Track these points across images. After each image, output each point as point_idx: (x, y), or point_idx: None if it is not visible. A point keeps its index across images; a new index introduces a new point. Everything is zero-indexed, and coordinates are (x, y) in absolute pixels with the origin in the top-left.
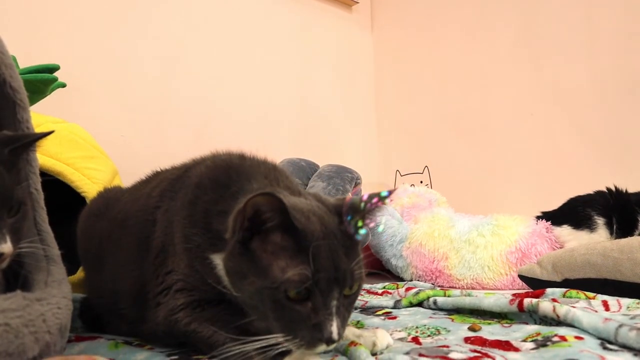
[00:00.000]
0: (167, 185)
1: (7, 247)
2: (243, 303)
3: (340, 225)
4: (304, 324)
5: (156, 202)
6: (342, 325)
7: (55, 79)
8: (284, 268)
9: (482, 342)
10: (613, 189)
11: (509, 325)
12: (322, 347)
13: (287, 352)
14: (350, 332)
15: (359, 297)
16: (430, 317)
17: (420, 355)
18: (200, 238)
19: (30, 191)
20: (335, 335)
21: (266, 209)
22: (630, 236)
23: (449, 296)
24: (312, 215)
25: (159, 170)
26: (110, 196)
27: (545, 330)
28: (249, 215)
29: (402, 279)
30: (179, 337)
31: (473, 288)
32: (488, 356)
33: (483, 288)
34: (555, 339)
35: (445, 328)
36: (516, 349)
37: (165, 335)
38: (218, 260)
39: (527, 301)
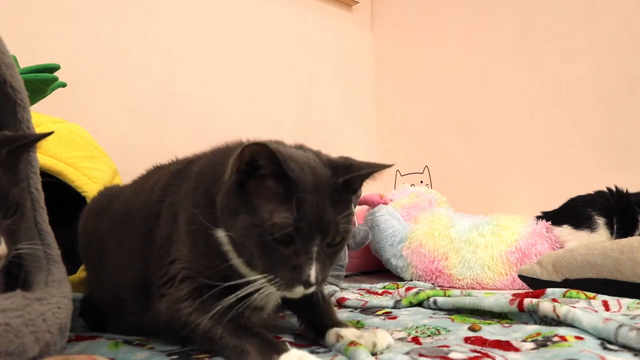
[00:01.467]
0: (169, 178)
1: (1, 248)
2: (233, 242)
3: (332, 179)
4: (284, 264)
5: (159, 196)
6: (322, 272)
7: (56, 79)
8: (271, 211)
9: (482, 342)
10: (613, 188)
11: (509, 325)
12: (300, 289)
13: (285, 350)
14: (351, 332)
15: (359, 297)
16: (430, 317)
17: (420, 355)
18: (204, 217)
19: (30, 191)
20: (312, 279)
21: (261, 157)
22: (631, 236)
23: (449, 296)
24: (306, 167)
25: (159, 165)
26: (112, 193)
27: (546, 330)
28: (246, 159)
29: (402, 279)
30: (180, 327)
31: (473, 288)
32: (488, 356)
33: (483, 288)
34: (556, 339)
35: (445, 328)
36: (516, 349)
37: (166, 325)
38: (221, 234)
39: (527, 301)
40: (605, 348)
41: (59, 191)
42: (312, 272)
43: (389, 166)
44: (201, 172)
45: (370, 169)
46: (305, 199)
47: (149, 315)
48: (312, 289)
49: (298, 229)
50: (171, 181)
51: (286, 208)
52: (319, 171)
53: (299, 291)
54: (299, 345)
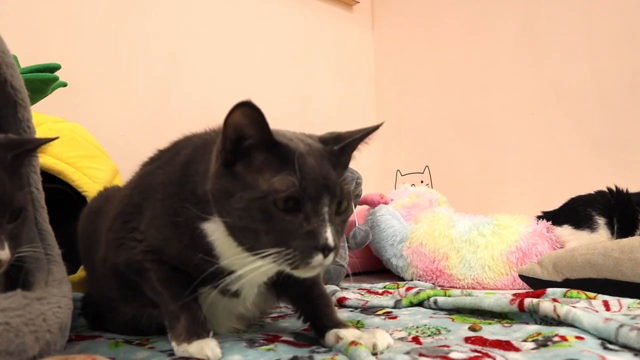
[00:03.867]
0: (157, 154)
1: (4, 253)
2: (232, 230)
3: (327, 147)
4: (296, 233)
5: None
6: (337, 236)
7: (56, 78)
8: (270, 180)
9: (483, 342)
10: (614, 188)
11: (509, 325)
12: (319, 258)
13: (203, 336)
14: (350, 333)
15: (359, 297)
16: (431, 317)
17: (421, 355)
18: (191, 210)
19: (30, 190)
20: (330, 241)
21: (245, 124)
22: (631, 236)
23: (449, 296)
24: (294, 138)
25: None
26: (109, 194)
27: (546, 330)
28: (230, 134)
29: (402, 279)
30: (141, 276)
31: (473, 288)
32: (488, 356)
33: (483, 288)
34: (556, 338)
35: (445, 328)
36: (517, 349)
37: (129, 271)
38: (207, 225)
39: (527, 301)
40: (605, 348)
41: (60, 190)
42: (329, 234)
43: (378, 127)
44: (186, 166)
45: (362, 133)
46: (304, 161)
47: (109, 264)
48: (331, 258)
49: (305, 190)
50: (158, 155)
51: (287, 173)
52: (310, 141)
53: (317, 261)
54: (299, 345)
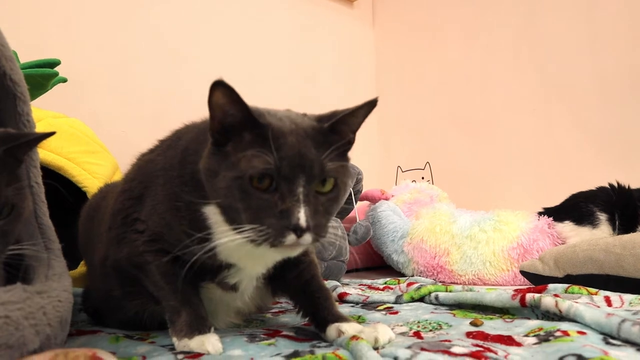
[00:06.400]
0: (157, 144)
1: None
2: (222, 210)
3: (316, 124)
4: (270, 211)
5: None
6: (313, 217)
7: (56, 74)
8: (249, 159)
9: (484, 336)
10: (615, 184)
11: (511, 320)
12: (292, 238)
13: (205, 332)
14: (352, 327)
15: (360, 293)
16: (432, 312)
17: (422, 349)
18: (191, 195)
19: (30, 184)
20: (302, 222)
21: (226, 102)
22: (633, 232)
23: (450, 291)
24: (282, 117)
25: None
26: (109, 190)
27: (548, 325)
28: (217, 114)
29: (403, 275)
30: (142, 270)
31: (474, 284)
32: (490, 350)
33: (484, 284)
34: (558, 333)
35: (447, 323)
36: (518, 344)
37: (130, 267)
38: (208, 209)
39: (529, 296)
40: (607, 343)
41: (64, 184)
42: (302, 215)
43: (374, 103)
44: (187, 150)
45: (355, 108)
46: (284, 140)
47: (110, 262)
48: (307, 238)
49: (279, 169)
50: (159, 144)
51: (264, 152)
52: (299, 120)
53: (290, 240)
54: (300, 340)
